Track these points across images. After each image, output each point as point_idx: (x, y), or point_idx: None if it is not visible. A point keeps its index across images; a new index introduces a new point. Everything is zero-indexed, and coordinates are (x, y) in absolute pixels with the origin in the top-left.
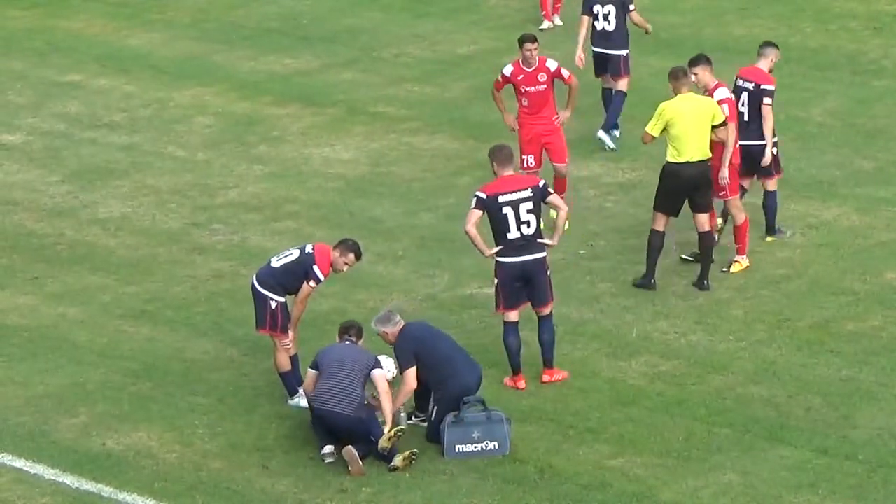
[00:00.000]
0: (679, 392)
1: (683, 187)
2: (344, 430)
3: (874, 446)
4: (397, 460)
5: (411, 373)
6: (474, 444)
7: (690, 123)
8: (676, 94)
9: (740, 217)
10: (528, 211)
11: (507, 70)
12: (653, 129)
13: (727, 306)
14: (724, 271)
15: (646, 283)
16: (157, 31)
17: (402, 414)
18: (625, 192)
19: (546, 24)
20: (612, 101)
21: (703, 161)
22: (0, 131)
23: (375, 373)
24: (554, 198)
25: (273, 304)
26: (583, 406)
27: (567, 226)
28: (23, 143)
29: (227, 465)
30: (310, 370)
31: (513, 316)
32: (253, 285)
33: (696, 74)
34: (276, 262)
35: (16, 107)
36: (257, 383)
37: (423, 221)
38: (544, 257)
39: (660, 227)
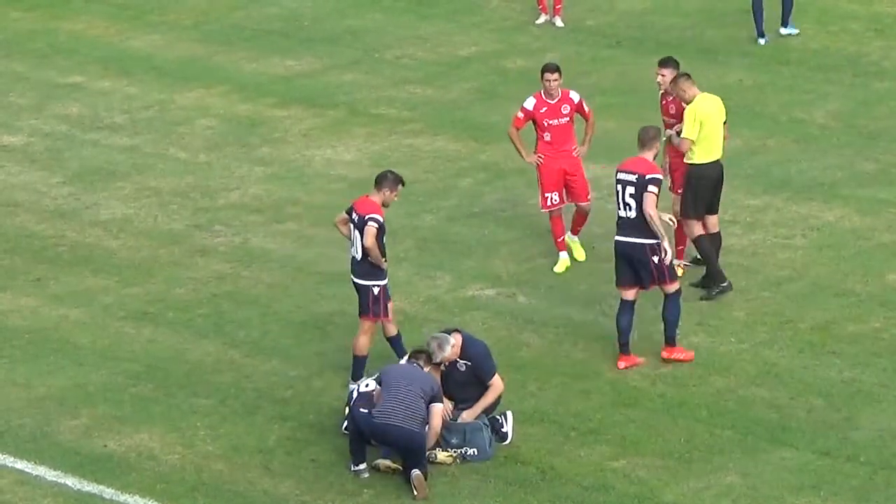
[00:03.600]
0: (681, 393)
1: (714, 187)
2: (403, 444)
3: (876, 448)
4: (442, 455)
5: (499, 377)
6: (452, 450)
7: (716, 122)
8: (690, 95)
9: None
10: (630, 195)
11: (529, 103)
12: (692, 133)
13: (728, 308)
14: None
15: (725, 287)
16: (158, 32)
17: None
18: None
19: (542, 19)
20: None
21: (720, 160)
22: (2, 133)
23: (435, 406)
24: (648, 198)
25: (375, 290)
26: (584, 407)
27: (584, 256)
28: (24, 144)
29: (229, 466)
30: (372, 381)
31: (628, 294)
32: (353, 282)
33: (663, 75)
34: (356, 253)
35: (17, 108)
36: (259, 385)
37: (424, 223)
38: (644, 244)
39: (701, 230)
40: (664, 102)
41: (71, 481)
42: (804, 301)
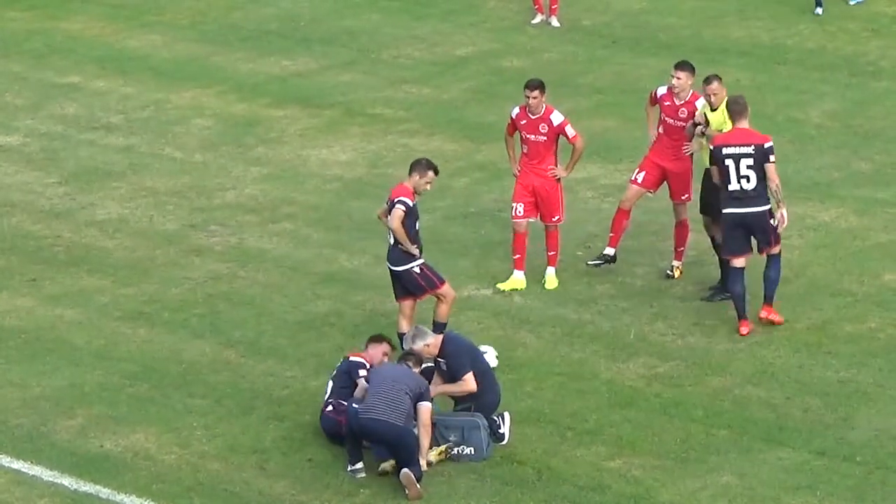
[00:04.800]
0: (677, 393)
1: None
2: (390, 439)
3: (872, 448)
4: (431, 455)
5: (471, 376)
6: (443, 444)
7: None
8: (722, 98)
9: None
10: (748, 167)
11: (514, 111)
12: None
13: (725, 308)
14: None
15: (730, 297)
16: (155, 32)
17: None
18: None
19: (538, 18)
20: None
21: None
22: None
23: (422, 405)
24: (771, 168)
25: (417, 270)
26: (581, 407)
27: (556, 283)
28: (21, 144)
29: (225, 466)
30: (362, 382)
31: (738, 262)
32: (391, 270)
33: (679, 78)
34: (390, 240)
35: (14, 108)
36: (255, 385)
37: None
38: (765, 210)
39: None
40: (669, 104)
41: (67, 481)
42: (800, 301)
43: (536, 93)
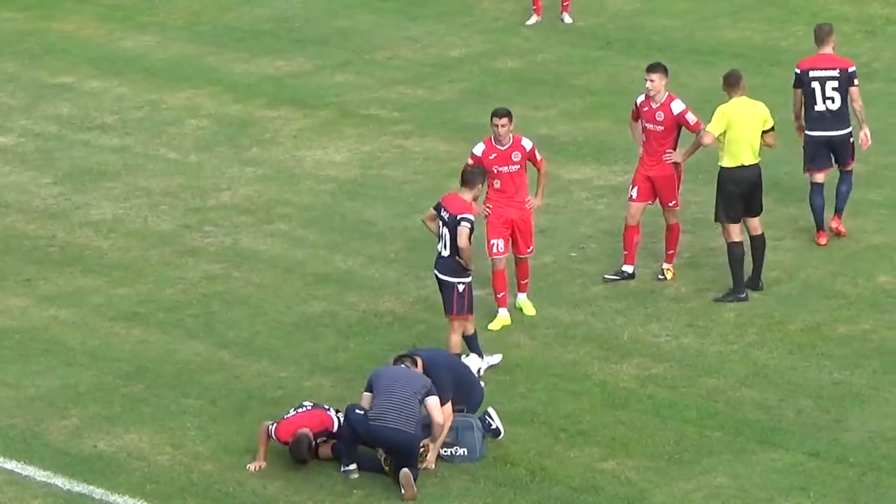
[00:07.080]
0: (670, 395)
1: (743, 192)
2: (401, 447)
3: (865, 449)
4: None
5: (448, 406)
6: (443, 449)
7: (746, 127)
8: (731, 98)
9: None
10: (833, 89)
11: (478, 149)
12: (715, 129)
13: (719, 309)
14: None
15: (743, 299)
16: (149, 33)
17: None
18: (616, 194)
19: (533, 20)
20: None
21: (755, 165)
22: None
23: (430, 401)
24: (855, 91)
25: (461, 287)
26: (574, 408)
27: (534, 309)
28: (15, 144)
29: (219, 467)
30: (364, 393)
31: (818, 177)
32: (437, 277)
33: (652, 80)
34: (443, 250)
35: (8, 108)
36: (249, 385)
37: (414, 224)
38: (849, 132)
39: (737, 235)
40: (647, 109)
41: (60, 481)
42: (794, 302)
43: (506, 120)
